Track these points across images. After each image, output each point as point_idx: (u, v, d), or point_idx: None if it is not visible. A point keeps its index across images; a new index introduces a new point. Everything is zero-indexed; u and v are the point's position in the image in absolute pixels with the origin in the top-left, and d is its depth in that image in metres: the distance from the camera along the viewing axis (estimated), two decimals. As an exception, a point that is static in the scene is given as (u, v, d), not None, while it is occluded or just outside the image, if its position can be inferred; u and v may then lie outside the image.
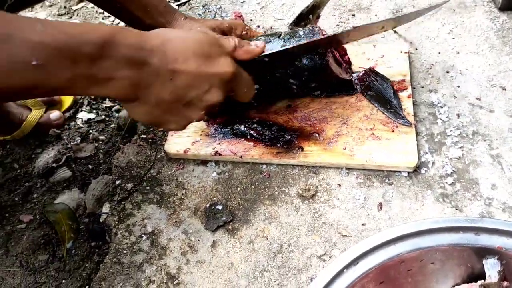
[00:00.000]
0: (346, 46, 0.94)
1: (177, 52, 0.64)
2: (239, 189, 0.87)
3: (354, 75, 0.96)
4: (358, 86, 0.95)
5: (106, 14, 1.42)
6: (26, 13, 1.43)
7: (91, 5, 1.44)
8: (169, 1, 1.24)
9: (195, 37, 0.67)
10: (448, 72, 0.99)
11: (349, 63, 0.95)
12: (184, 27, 0.91)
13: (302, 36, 0.85)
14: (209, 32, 0.88)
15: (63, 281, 0.87)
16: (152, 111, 0.66)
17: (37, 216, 0.97)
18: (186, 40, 0.66)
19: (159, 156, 0.93)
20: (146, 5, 0.89)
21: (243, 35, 0.92)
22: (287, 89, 0.89)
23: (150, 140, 0.96)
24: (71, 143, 1.09)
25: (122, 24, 1.35)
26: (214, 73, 0.67)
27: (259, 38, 0.88)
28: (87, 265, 0.89)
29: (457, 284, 0.66)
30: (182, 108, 0.67)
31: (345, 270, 0.61)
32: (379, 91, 0.93)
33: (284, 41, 0.85)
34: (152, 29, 0.90)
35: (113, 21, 1.39)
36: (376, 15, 1.12)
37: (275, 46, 0.84)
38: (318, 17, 0.99)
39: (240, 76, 0.72)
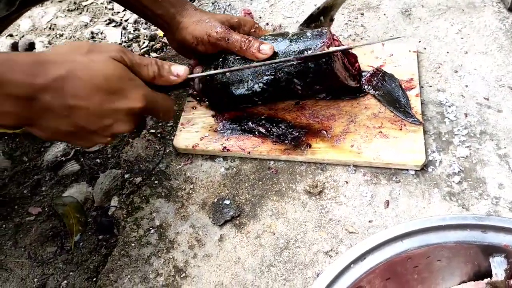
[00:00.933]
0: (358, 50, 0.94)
1: (79, 86, 0.60)
2: (246, 184, 0.87)
3: (363, 74, 0.97)
4: (366, 87, 0.95)
5: (116, 10, 1.43)
6: (37, 8, 1.44)
7: (101, 1, 1.45)
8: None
9: (104, 70, 0.62)
10: (456, 71, 0.99)
11: (359, 70, 0.93)
12: (193, 17, 0.90)
13: (310, 37, 0.84)
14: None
15: (71, 273, 0.88)
16: (52, 136, 0.63)
17: (46, 209, 0.98)
18: (93, 73, 0.61)
19: (167, 150, 0.94)
20: None
21: (251, 32, 0.92)
22: (291, 90, 0.87)
23: (159, 134, 0.96)
24: (80, 137, 1.10)
25: (134, 16, 1.36)
26: (119, 109, 0.63)
27: (266, 37, 0.88)
28: (94, 257, 0.90)
29: (464, 282, 0.67)
30: (86, 134, 0.65)
31: (352, 266, 0.61)
32: (388, 91, 0.93)
33: (290, 42, 0.84)
34: (163, 20, 0.91)
35: (123, 17, 1.40)
36: (385, 14, 1.12)
37: (281, 46, 0.84)
38: (332, 20, 0.98)
39: (154, 104, 0.69)
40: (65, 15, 1.43)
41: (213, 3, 1.24)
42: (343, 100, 0.95)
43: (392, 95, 0.93)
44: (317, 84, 0.87)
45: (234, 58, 0.87)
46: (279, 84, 0.86)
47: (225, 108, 0.94)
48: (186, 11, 0.91)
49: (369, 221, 0.81)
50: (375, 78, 0.95)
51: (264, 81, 0.85)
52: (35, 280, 0.88)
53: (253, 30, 0.92)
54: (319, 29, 0.85)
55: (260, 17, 1.17)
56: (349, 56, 0.90)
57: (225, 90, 0.88)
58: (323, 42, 0.82)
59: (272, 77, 0.85)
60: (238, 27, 0.91)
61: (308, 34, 0.84)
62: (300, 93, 0.88)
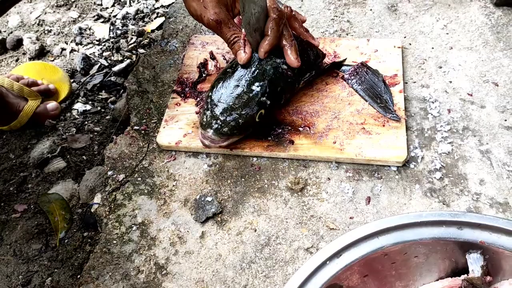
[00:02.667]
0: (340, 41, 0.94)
1: None
2: (229, 181, 0.88)
3: (346, 68, 0.97)
4: (349, 80, 0.95)
5: (104, 5, 1.42)
6: (25, 4, 1.43)
7: (89, -3, 1.44)
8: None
9: None
10: (440, 67, 0.99)
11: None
12: None
13: None
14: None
15: (55, 270, 0.89)
16: None
17: (31, 206, 0.98)
18: None
19: (151, 147, 0.94)
20: None
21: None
22: (283, 76, 0.88)
23: (143, 131, 0.96)
24: (66, 134, 1.10)
25: (123, 12, 1.36)
26: None
27: None
28: (79, 254, 0.90)
29: (441, 278, 0.67)
30: None
31: (328, 262, 0.61)
32: (370, 85, 0.93)
33: None
34: None
35: (111, 13, 1.40)
36: (371, 10, 1.12)
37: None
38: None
39: None
40: (54, 11, 1.43)
41: None
42: (327, 97, 0.95)
43: (375, 90, 0.93)
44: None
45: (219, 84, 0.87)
46: (270, 73, 0.86)
47: (251, 128, 0.89)
48: None
49: (350, 218, 0.81)
50: (358, 72, 0.95)
51: (257, 80, 0.86)
52: (20, 277, 0.88)
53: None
54: None
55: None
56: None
57: (233, 113, 0.85)
58: None
59: (260, 71, 0.86)
60: (235, 6, 0.89)
61: None
62: (290, 73, 0.88)
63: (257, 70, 0.86)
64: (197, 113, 0.95)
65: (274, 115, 0.93)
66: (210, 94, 0.87)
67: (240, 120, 0.84)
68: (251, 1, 0.78)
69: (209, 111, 0.85)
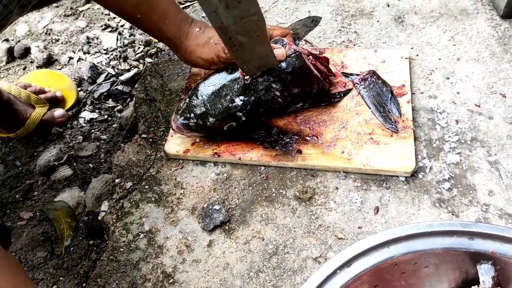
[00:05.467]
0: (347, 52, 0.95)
1: None
2: (237, 190, 0.87)
3: (356, 77, 0.97)
4: (358, 85, 0.95)
5: (112, 15, 1.43)
6: (33, 13, 1.44)
7: (98, 6, 1.45)
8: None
9: None
10: (448, 78, 0.99)
11: (330, 71, 0.96)
12: (199, 39, 0.90)
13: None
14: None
15: (61, 278, 0.88)
16: None
17: (37, 214, 0.98)
18: None
19: (158, 155, 0.94)
20: (164, 16, 0.89)
21: None
22: (272, 100, 0.88)
23: (151, 140, 0.96)
24: (73, 141, 1.10)
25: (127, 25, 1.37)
26: None
27: None
28: (84, 262, 0.90)
29: (451, 289, 0.66)
30: None
31: (338, 272, 0.61)
32: (377, 93, 0.94)
33: None
34: (171, 42, 0.91)
35: (118, 22, 1.41)
36: (378, 21, 1.13)
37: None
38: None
39: None
40: (62, 20, 1.43)
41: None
42: (334, 107, 0.95)
43: (380, 99, 0.93)
44: (294, 86, 0.88)
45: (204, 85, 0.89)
46: (259, 94, 0.86)
47: (217, 133, 0.92)
48: (190, 34, 0.91)
49: (359, 227, 0.81)
50: (368, 79, 0.95)
51: (244, 94, 0.86)
52: (25, 284, 0.88)
53: None
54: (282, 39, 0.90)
55: (254, 23, 1.17)
56: (321, 59, 0.93)
57: (205, 114, 0.87)
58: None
59: (252, 86, 0.86)
60: None
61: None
62: (281, 100, 0.89)
63: (249, 85, 0.86)
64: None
65: (279, 125, 0.93)
66: (200, 82, 0.89)
67: (207, 123, 0.86)
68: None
69: (189, 99, 0.88)
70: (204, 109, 0.86)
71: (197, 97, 0.87)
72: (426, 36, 1.08)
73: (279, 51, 0.86)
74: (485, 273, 0.62)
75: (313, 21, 1.03)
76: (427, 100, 0.96)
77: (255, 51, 0.79)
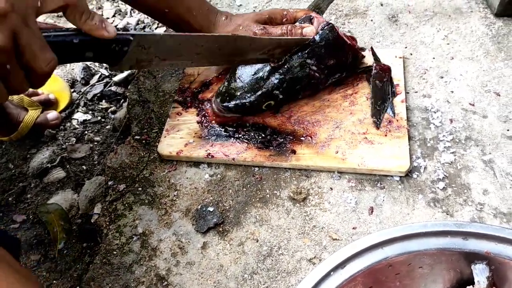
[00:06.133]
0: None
1: None
2: (231, 191, 0.87)
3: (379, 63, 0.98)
4: (373, 75, 0.95)
5: (105, 16, 1.42)
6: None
7: (90, 7, 1.44)
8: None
9: None
10: (442, 77, 0.99)
11: (359, 48, 0.99)
12: (227, 27, 0.93)
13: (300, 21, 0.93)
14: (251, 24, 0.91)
15: (54, 281, 0.87)
16: None
17: (30, 216, 0.97)
18: None
19: (152, 157, 0.93)
20: (190, 8, 0.91)
21: (284, 22, 0.94)
22: (308, 76, 0.90)
23: (144, 141, 0.96)
24: (66, 143, 1.10)
25: (123, 22, 1.36)
26: None
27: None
28: (78, 265, 0.89)
29: (446, 289, 0.66)
30: None
31: (332, 273, 0.60)
32: (384, 90, 0.94)
33: None
34: (197, 32, 0.91)
35: (112, 23, 1.40)
36: (372, 20, 1.12)
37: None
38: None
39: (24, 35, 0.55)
40: (55, 21, 1.42)
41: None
42: (328, 106, 0.94)
43: (382, 95, 0.93)
44: (330, 58, 0.90)
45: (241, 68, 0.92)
46: (294, 71, 0.88)
47: (249, 111, 0.94)
48: (218, 22, 0.94)
49: (353, 228, 0.80)
50: (384, 74, 0.96)
51: (280, 71, 0.88)
52: (18, 288, 0.87)
53: (285, 19, 0.95)
54: (309, 15, 0.94)
55: (248, 23, 1.17)
56: (348, 37, 0.94)
57: (244, 95, 0.90)
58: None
59: (286, 66, 0.88)
60: (270, 22, 0.94)
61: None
62: (318, 75, 0.90)
63: (284, 63, 0.88)
64: (198, 122, 0.95)
65: (273, 125, 0.93)
66: (235, 66, 0.92)
67: (246, 104, 0.90)
68: None
69: (227, 82, 0.92)
70: (243, 91, 0.90)
71: (235, 80, 0.91)
72: (420, 35, 1.07)
73: (308, 29, 0.89)
74: (480, 273, 0.62)
75: None
76: (421, 99, 0.96)
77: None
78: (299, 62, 0.88)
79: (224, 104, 0.92)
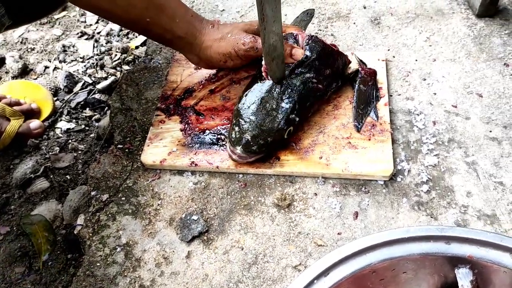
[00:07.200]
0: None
1: None
2: (215, 199, 0.86)
3: (364, 67, 0.98)
4: (361, 75, 0.95)
5: (88, 23, 1.41)
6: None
7: (73, 14, 1.43)
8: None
9: None
10: (424, 79, 0.99)
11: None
12: (214, 35, 0.91)
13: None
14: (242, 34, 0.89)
15: (39, 294, 0.86)
16: None
17: (14, 228, 0.96)
18: None
19: (135, 166, 0.92)
20: (173, 15, 0.88)
21: None
22: (312, 90, 0.89)
23: (127, 150, 0.95)
24: (50, 153, 1.09)
25: (107, 29, 1.35)
26: None
27: None
28: (63, 277, 0.88)
29: (430, 293, 0.66)
30: None
31: (315, 281, 0.60)
32: (368, 94, 0.94)
33: None
34: (184, 41, 0.91)
35: (95, 29, 1.39)
36: (354, 23, 1.12)
37: None
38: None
39: None
40: (37, 29, 1.41)
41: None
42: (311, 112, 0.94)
43: (366, 99, 0.93)
44: (325, 67, 0.90)
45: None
46: (299, 88, 0.87)
47: (273, 147, 0.89)
48: (204, 29, 0.91)
49: (338, 233, 0.80)
50: (370, 77, 0.96)
51: (286, 95, 0.86)
52: (2, 302, 0.86)
53: None
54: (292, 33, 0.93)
55: (231, 28, 1.16)
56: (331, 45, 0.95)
57: (263, 133, 0.85)
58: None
59: (290, 86, 0.87)
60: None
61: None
62: (321, 87, 0.90)
63: (287, 85, 0.86)
64: (181, 130, 0.94)
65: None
66: (238, 107, 0.86)
67: (269, 139, 0.84)
68: (270, 31, 0.77)
69: (237, 127, 0.85)
70: (259, 127, 0.84)
71: (245, 121, 0.85)
72: (402, 38, 1.08)
73: (298, 51, 0.88)
74: (463, 277, 0.62)
75: (308, 14, 1.08)
76: (404, 102, 0.96)
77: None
78: (301, 80, 0.87)
79: (248, 151, 0.84)
